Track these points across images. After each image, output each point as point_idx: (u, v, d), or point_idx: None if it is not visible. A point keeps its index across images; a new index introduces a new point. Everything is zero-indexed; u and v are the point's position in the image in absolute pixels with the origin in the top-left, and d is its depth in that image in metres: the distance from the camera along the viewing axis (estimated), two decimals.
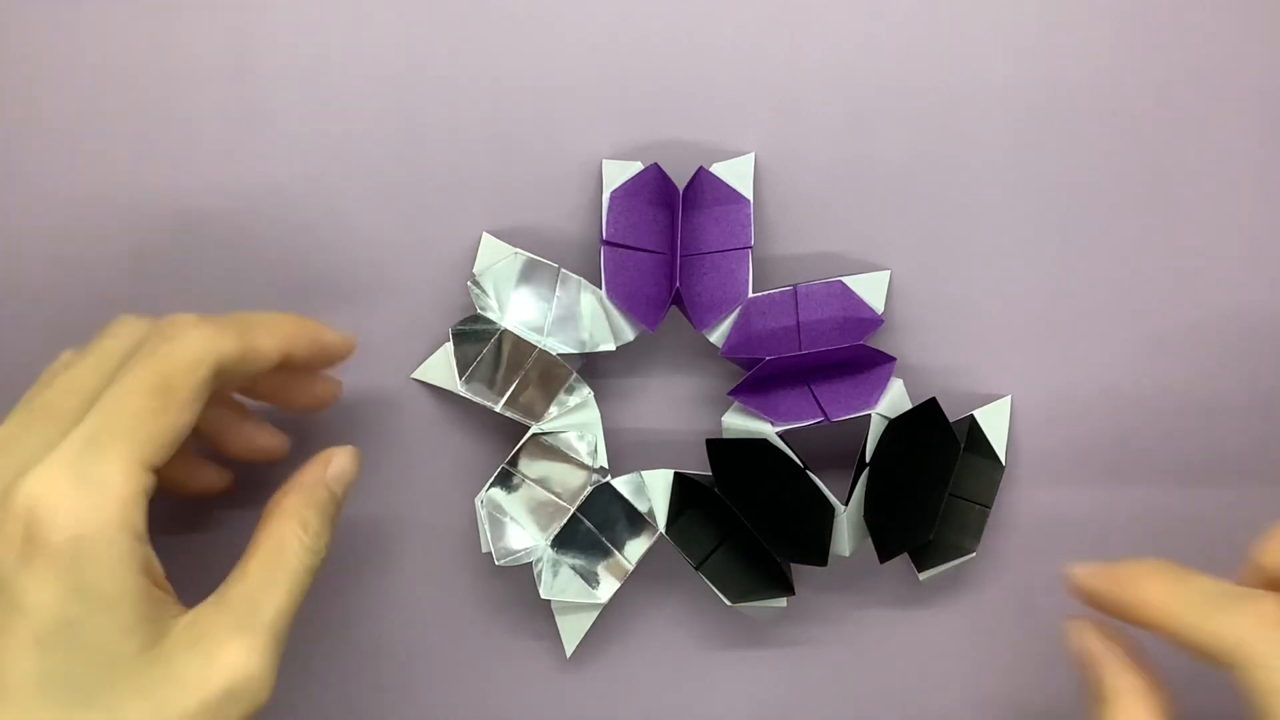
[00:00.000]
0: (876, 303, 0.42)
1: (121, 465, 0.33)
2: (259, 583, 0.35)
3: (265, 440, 0.42)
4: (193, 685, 0.33)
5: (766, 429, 0.41)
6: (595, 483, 0.42)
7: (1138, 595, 0.35)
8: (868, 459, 0.41)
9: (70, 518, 0.32)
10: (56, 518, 0.32)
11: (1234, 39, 0.44)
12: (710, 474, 0.41)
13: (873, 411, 0.41)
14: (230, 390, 0.40)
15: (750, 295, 0.42)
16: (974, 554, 0.42)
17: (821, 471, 0.41)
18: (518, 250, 0.42)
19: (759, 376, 0.41)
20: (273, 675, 0.34)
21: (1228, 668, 0.32)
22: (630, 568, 0.42)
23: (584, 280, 0.42)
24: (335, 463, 0.38)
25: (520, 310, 0.42)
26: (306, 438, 0.44)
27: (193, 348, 0.35)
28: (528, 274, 0.42)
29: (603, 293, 0.41)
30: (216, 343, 0.35)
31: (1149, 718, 0.34)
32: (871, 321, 0.42)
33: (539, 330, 0.42)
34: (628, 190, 0.41)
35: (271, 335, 0.37)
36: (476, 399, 0.41)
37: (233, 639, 0.33)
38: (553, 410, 0.42)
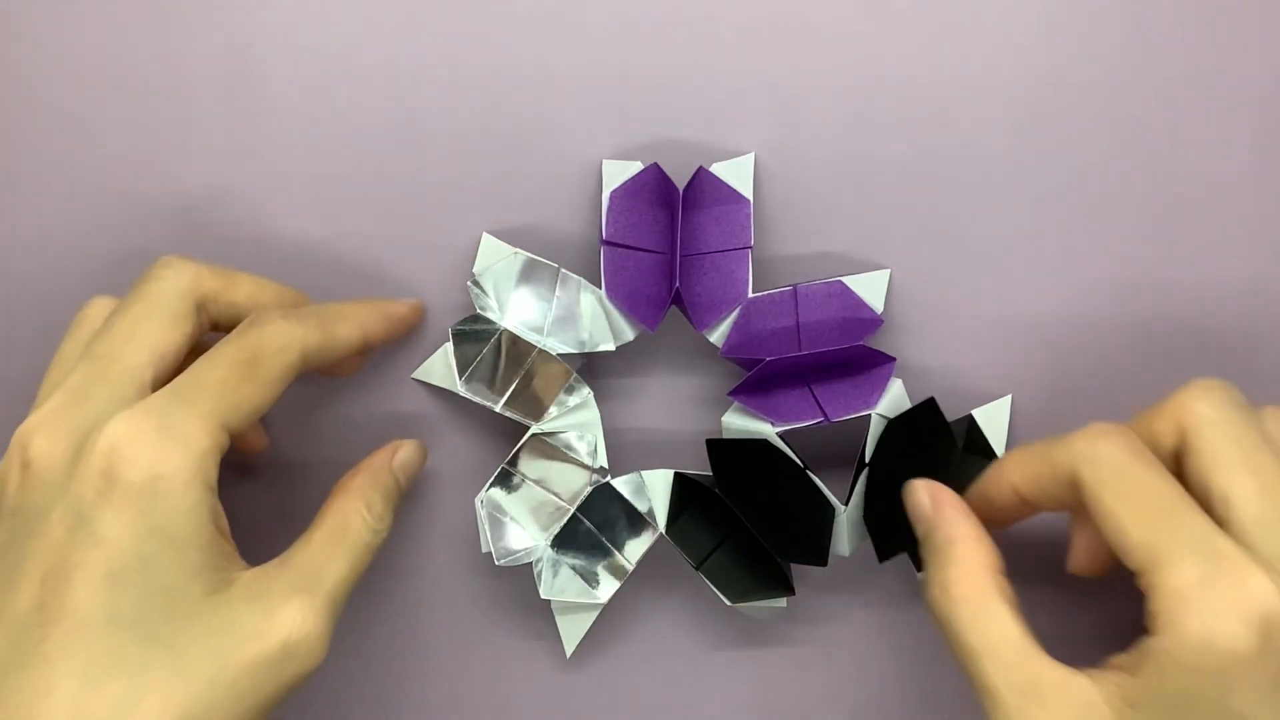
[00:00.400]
0: (876, 303, 0.42)
1: (202, 421, 0.35)
2: (322, 552, 0.36)
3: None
4: (253, 636, 0.34)
5: (766, 429, 0.41)
6: (595, 483, 0.42)
7: (1005, 483, 0.38)
8: (867, 459, 0.41)
9: (150, 459, 0.33)
10: (137, 458, 0.33)
11: (1237, 38, 0.44)
12: (710, 474, 0.41)
13: (872, 412, 0.41)
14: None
15: (750, 295, 0.42)
16: None
17: (821, 471, 0.41)
18: (518, 250, 0.42)
19: (759, 377, 0.41)
20: (328, 640, 0.35)
21: (1069, 482, 0.35)
22: (630, 568, 0.42)
23: (584, 280, 0.42)
24: (402, 452, 0.40)
25: (520, 310, 0.42)
26: (307, 439, 0.44)
27: (282, 335, 0.37)
28: (528, 274, 0.42)
29: (603, 293, 0.41)
30: (303, 334, 0.37)
31: (983, 562, 0.36)
32: (871, 322, 0.42)
33: (539, 330, 0.42)
34: (628, 190, 0.41)
35: (352, 326, 0.39)
36: (476, 399, 0.41)
37: (293, 598, 0.35)
38: (553, 410, 0.42)
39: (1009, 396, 0.43)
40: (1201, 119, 0.44)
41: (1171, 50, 0.44)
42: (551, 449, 0.42)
